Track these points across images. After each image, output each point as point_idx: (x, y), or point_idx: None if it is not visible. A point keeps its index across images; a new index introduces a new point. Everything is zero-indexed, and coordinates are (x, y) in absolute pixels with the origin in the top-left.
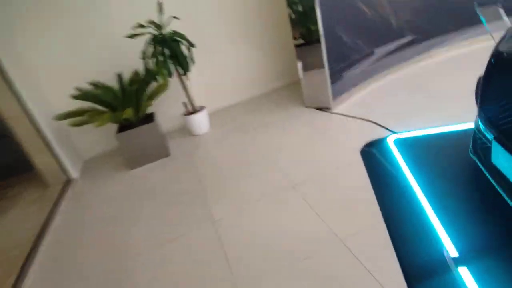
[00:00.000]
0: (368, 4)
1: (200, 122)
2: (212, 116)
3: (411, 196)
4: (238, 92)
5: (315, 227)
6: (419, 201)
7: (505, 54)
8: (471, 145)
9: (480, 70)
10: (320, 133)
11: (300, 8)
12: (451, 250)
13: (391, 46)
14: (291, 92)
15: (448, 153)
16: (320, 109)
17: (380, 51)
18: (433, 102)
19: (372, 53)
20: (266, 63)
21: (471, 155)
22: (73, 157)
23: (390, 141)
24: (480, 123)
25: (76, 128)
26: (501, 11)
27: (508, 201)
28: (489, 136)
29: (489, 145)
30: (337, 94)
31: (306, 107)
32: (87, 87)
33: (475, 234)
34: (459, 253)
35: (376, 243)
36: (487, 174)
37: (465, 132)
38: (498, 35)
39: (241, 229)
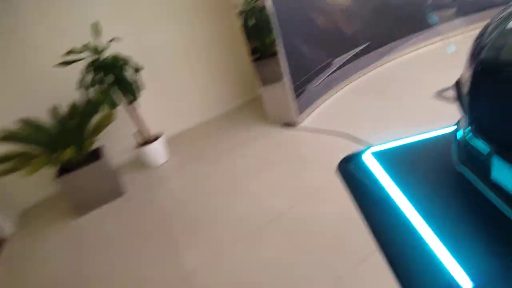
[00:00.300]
0: (321, 14)
1: (156, 152)
2: (170, 142)
3: (405, 219)
4: (197, 113)
5: (306, 268)
6: (416, 226)
7: (494, 56)
8: (456, 156)
9: (439, 70)
10: (289, 152)
11: (253, 21)
12: (464, 282)
13: (348, 54)
14: (253, 109)
15: (432, 164)
16: (286, 124)
17: (338, 60)
18: (400, 108)
19: (331, 64)
20: (224, 81)
21: (459, 169)
22: (6, 209)
23: (368, 154)
24: (470, 134)
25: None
26: (452, 13)
27: None
28: (485, 149)
29: (483, 158)
30: (302, 107)
31: (271, 124)
32: (15, 126)
33: (487, 260)
34: (474, 284)
35: (374, 279)
36: (486, 190)
37: (444, 137)
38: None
39: (221, 280)
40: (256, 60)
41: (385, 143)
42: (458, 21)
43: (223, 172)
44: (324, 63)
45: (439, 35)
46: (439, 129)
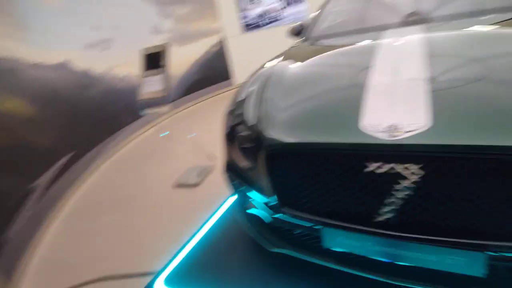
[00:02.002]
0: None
1: None
2: None
3: None
4: None
5: None
6: None
7: (278, 137)
8: (270, 240)
9: (163, 158)
10: None
11: None
12: None
13: (53, 170)
14: None
15: (242, 259)
16: None
17: (41, 181)
18: (146, 214)
19: (32, 189)
20: None
21: (277, 250)
22: None
23: (161, 285)
24: (284, 215)
25: None
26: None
27: (364, 274)
28: (305, 224)
29: (306, 232)
30: (7, 269)
31: None
32: None
33: None
34: None
35: None
36: (316, 259)
37: (234, 223)
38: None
39: None
40: None
41: (170, 261)
42: (166, 107)
43: None
44: (23, 192)
45: (149, 123)
46: (208, 219)
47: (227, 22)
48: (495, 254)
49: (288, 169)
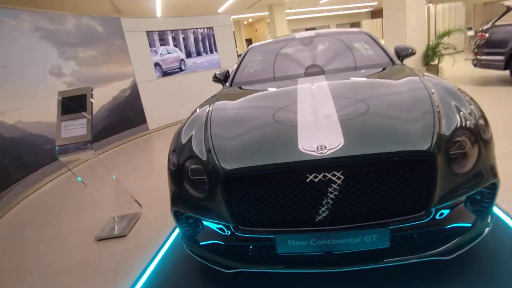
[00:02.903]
0: None
1: None
2: None
3: None
4: None
5: None
6: None
7: (231, 165)
8: (228, 259)
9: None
10: None
11: None
12: None
13: None
14: None
15: None
16: None
17: None
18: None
19: None
20: None
21: (237, 266)
22: None
23: None
24: (239, 232)
25: None
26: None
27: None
28: (263, 236)
29: (261, 244)
30: None
31: None
32: None
33: None
34: None
35: None
36: (273, 268)
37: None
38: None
39: None
40: None
41: None
42: (87, 153)
43: None
44: None
45: (62, 169)
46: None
47: (139, 67)
48: (394, 227)
49: (241, 192)
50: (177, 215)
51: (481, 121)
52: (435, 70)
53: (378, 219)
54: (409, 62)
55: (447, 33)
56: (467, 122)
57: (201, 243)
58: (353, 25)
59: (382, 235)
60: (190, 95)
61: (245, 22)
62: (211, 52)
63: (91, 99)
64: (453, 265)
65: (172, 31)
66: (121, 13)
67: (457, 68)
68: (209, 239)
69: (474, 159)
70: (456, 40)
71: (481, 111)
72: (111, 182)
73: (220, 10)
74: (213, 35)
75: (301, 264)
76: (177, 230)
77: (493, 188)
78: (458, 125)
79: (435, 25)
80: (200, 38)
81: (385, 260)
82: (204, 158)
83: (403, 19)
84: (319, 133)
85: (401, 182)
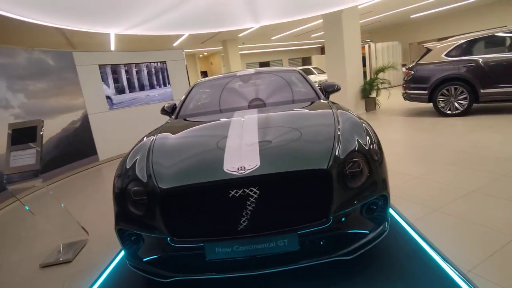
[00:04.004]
0: None
1: None
2: None
3: None
4: None
5: None
6: None
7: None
8: (166, 269)
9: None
10: None
11: None
12: None
13: None
14: None
15: None
16: None
17: None
18: None
19: None
20: None
21: (168, 280)
22: None
23: None
24: (176, 245)
25: None
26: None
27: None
28: (194, 245)
29: (193, 253)
30: None
31: None
32: None
33: None
34: None
35: None
36: (204, 274)
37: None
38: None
39: None
40: None
41: None
42: (36, 182)
43: None
44: None
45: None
46: None
47: (90, 99)
48: (302, 232)
49: (176, 208)
50: (120, 233)
51: (374, 146)
52: (373, 103)
53: (289, 226)
54: (349, 95)
55: (382, 69)
56: (361, 147)
57: (143, 259)
58: (304, 59)
59: (292, 239)
60: (142, 126)
61: (201, 55)
62: (164, 85)
63: (41, 132)
64: (355, 263)
65: (125, 64)
66: (75, 47)
67: (393, 101)
68: (150, 254)
69: (365, 176)
70: (395, 75)
71: (377, 138)
72: (59, 211)
73: (175, 44)
74: (166, 69)
75: (229, 269)
76: (122, 254)
77: (385, 199)
78: (353, 149)
79: (376, 62)
80: (153, 71)
81: (299, 262)
82: (145, 180)
83: (342, 59)
84: (241, 158)
85: (306, 195)
